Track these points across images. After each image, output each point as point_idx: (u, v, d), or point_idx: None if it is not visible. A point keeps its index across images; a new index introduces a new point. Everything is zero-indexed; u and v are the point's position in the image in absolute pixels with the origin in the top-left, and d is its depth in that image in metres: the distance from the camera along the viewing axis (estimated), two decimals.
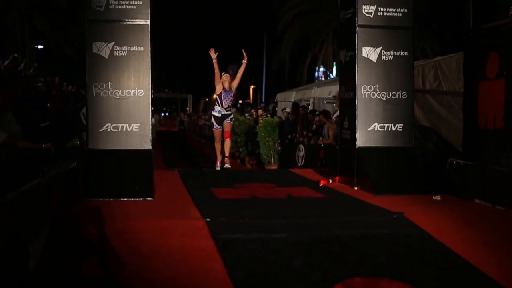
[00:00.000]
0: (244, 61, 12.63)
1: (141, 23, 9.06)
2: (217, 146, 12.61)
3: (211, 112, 12.92)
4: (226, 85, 12.25)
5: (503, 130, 9.14)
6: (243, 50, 12.69)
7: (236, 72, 12.37)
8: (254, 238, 6.33)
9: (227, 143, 12.45)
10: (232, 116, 12.78)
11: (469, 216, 7.58)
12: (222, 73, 12.29)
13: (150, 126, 9.08)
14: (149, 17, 9.08)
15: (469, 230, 6.89)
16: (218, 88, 12.27)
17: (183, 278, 5.27)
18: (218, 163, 12.53)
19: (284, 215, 7.42)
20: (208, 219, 6.88)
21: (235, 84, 12.50)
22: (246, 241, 6.23)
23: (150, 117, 9.10)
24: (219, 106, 12.38)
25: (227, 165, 12.37)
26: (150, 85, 9.08)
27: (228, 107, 12.49)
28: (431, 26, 28.15)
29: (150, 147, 9.03)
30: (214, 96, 12.63)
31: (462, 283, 5.41)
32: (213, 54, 12.18)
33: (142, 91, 9.03)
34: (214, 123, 12.51)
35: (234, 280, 5.14)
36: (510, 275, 5.53)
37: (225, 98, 12.33)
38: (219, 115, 12.39)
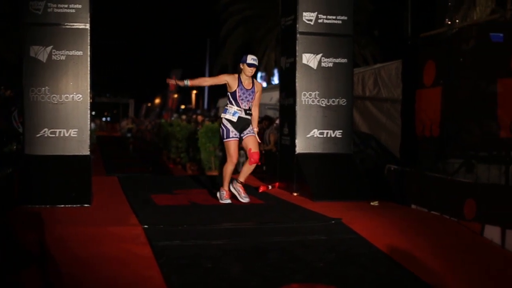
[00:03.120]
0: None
1: (80, 27, 8.94)
2: (229, 169, 8.81)
3: (221, 115, 8.98)
4: (246, 82, 8.68)
5: (439, 137, 9.31)
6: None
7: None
8: (192, 245, 6.31)
9: (252, 167, 8.84)
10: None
11: (406, 221, 7.69)
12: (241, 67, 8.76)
13: (89, 132, 8.95)
14: (89, 21, 8.96)
15: (406, 235, 6.98)
16: (232, 84, 8.67)
17: (120, 285, 5.20)
18: (227, 194, 8.87)
19: (223, 221, 7.40)
20: (146, 226, 6.82)
21: (258, 95, 8.89)
22: (184, 248, 6.20)
23: (89, 122, 8.98)
24: (234, 105, 8.68)
25: (244, 198, 8.83)
26: (89, 90, 8.96)
27: (249, 109, 8.75)
28: (372, 33, 28.47)
29: (88, 152, 8.91)
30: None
31: None
32: (177, 82, 9.09)
33: (80, 96, 8.90)
34: (229, 130, 8.66)
35: (171, 287, 5.09)
36: (445, 280, 5.62)
37: (241, 99, 8.64)
38: (235, 119, 8.64)
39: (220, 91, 39.23)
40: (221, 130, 8.81)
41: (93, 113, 56.04)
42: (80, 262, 5.68)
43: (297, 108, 9.81)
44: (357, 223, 7.33)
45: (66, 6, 8.90)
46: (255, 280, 5.38)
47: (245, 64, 8.62)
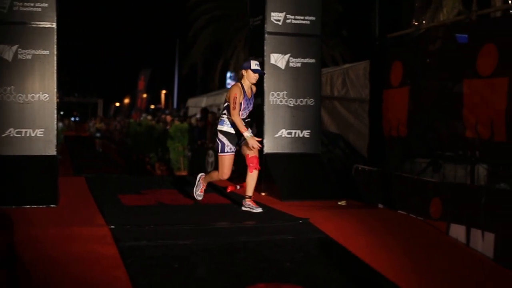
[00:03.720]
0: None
1: (46, 26, 8.87)
2: (215, 177, 8.35)
3: (217, 127, 8.22)
4: (249, 91, 7.99)
5: (406, 137, 9.39)
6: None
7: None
8: (159, 245, 6.27)
9: (254, 175, 8.12)
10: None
11: (373, 221, 7.75)
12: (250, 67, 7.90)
13: (55, 132, 8.88)
14: (55, 20, 8.89)
15: (372, 235, 7.04)
16: (241, 98, 7.86)
17: (86, 287, 5.16)
18: (201, 189, 8.50)
19: (190, 221, 7.38)
20: (112, 226, 6.78)
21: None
22: (151, 248, 6.16)
23: (55, 122, 8.90)
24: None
25: (257, 209, 8.05)
26: (55, 90, 8.89)
27: (246, 118, 8.13)
28: (341, 34, 28.60)
29: (55, 153, 8.84)
30: (230, 99, 7.88)
31: None
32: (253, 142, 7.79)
33: (47, 95, 8.83)
34: (224, 144, 8.02)
35: None
36: (411, 279, 5.66)
37: (243, 109, 7.97)
38: (233, 130, 8.01)
39: (190, 91, 39.21)
40: (216, 144, 8.21)
41: (62, 113, 55.71)
42: (46, 263, 5.63)
43: (265, 108, 9.82)
44: (325, 222, 7.36)
45: (32, 4, 8.82)
46: (222, 280, 5.37)
47: (249, 70, 7.85)
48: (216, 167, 8.47)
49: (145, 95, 47.09)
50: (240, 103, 7.82)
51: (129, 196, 9.22)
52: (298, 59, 9.96)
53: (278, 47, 9.90)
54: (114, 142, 34.20)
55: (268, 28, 9.88)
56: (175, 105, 43.91)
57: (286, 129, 9.85)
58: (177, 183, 10.81)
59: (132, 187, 10.33)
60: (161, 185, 10.66)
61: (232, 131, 7.99)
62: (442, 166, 8.87)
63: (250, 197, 8.14)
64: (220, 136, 8.04)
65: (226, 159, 8.04)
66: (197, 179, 8.55)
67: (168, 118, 22.01)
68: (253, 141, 7.76)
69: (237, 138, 8.03)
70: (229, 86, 32.69)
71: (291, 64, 9.92)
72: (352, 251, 6.32)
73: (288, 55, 9.92)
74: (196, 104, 26.63)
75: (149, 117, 29.60)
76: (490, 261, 6.46)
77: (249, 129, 7.93)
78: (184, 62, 35.86)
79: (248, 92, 7.94)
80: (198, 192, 8.47)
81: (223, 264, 5.79)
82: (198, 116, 19.29)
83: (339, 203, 8.84)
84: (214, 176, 8.34)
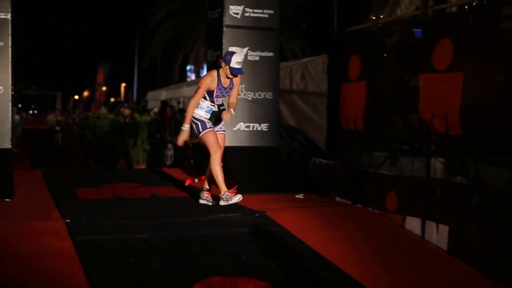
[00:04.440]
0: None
1: (1, 17, 8.71)
2: (218, 165, 7.85)
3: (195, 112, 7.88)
4: (226, 81, 7.84)
5: (364, 131, 9.46)
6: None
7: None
8: (115, 239, 6.23)
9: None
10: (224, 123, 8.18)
11: (330, 214, 7.79)
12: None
13: (10, 125, 8.75)
14: (10, 11, 8.74)
15: (329, 228, 7.08)
16: (212, 86, 7.78)
17: (39, 281, 5.10)
18: (231, 192, 8.01)
19: (147, 215, 7.34)
20: (68, 220, 6.71)
21: (236, 90, 8.08)
22: (107, 242, 6.11)
23: (10, 115, 8.77)
24: (207, 101, 7.86)
25: (234, 198, 7.85)
26: (10, 82, 8.74)
27: (222, 104, 8.04)
28: (301, 27, 28.69)
29: (10, 146, 8.71)
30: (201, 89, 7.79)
31: (320, 281, 5.53)
32: (180, 141, 7.87)
33: (1, 88, 8.68)
34: (204, 122, 7.83)
35: (92, 281, 5.02)
36: (367, 272, 5.71)
37: (217, 96, 7.87)
38: (209, 115, 7.89)
39: (149, 84, 39.04)
40: (194, 126, 7.84)
41: (20, 106, 54.94)
42: (0, 257, 5.56)
43: None
44: (282, 215, 7.37)
45: None
46: (178, 273, 5.36)
47: (227, 67, 7.69)
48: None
49: (104, 88, 46.67)
50: (212, 91, 7.74)
51: (86, 189, 9.12)
52: (257, 53, 9.95)
53: (236, 41, 9.87)
54: (73, 135, 33.89)
55: (226, 21, 9.84)
56: (135, 98, 43.66)
57: (245, 123, 9.82)
58: (135, 177, 10.75)
59: (90, 181, 10.23)
60: (119, 179, 10.57)
61: (207, 116, 7.84)
62: (400, 160, 8.95)
63: (208, 189, 8.19)
64: (197, 116, 7.84)
65: (210, 135, 7.82)
66: (222, 197, 7.91)
67: (127, 111, 21.87)
68: (180, 137, 7.78)
69: (212, 123, 7.91)
70: (193, 78, 32.74)
71: (249, 58, 9.90)
72: (308, 244, 6.35)
73: (246, 48, 9.90)
74: (156, 97, 26.52)
75: (105, 111, 29.34)
76: (444, 253, 6.55)
77: (218, 130, 7.98)
78: (144, 55, 35.67)
79: (225, 81, 7.79)
80: (232, 197, 7.86)
81: (179, 258, 5.77)
82: (156, 109, 19.19)
83: (297, 196, 8.86)
84: (216, 168, 7.81)
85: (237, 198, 7.82)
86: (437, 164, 8.34)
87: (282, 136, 11.08)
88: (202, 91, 7.74)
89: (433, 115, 7.97)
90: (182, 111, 17.12)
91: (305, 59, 15.32)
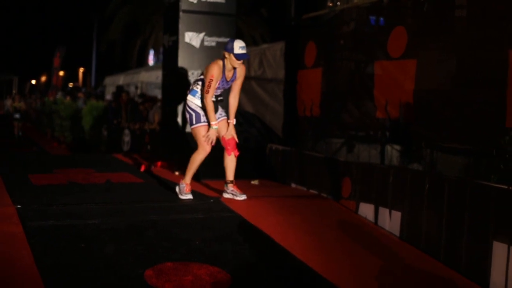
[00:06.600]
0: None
1: None
2: (199, 159, 7.48)
3: (188, 97, 7.56)
4: (230, 74, 7.37)
5: (319, 118, 9.49)
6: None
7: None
8: (66, 225, 6.17)
9: (233, 159, 7.68)
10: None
11: (284, 200, 7.82)
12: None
13: None
14: None
15: (283, 214, 7.10)
16: (216, 73, 7.19)
17: None
18: (187, 188, 7.60)
19: (100, 201, 7.29)
20: (19, 206, 6.64)
21: (240, 82, 7.52)
22: (58, 228, 6.05)
23: None
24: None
25: (241, 196, 7.56)
26: None
27: (220, 95, 7.57)
28: (261, 13, 28.61)
29: None
30: (205, 78, 7.29)
31: (272, 266, 5.54)
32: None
33: None
34: (199, 114, 7.46)
35: (41, 267, 4.96)
36: (319, 256, 5.74)
37: (218, 88, 7.37)
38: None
39: (108, 69, 38.67)
40: (188, 115, 7.49)
41: None
42: None
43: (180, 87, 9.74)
44: (236, 201, 7.39)
45: None
46: (130, 259, 5.33)
47: (231, 55, 7.16)
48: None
49: (61, 73, 46.08)
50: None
51: (39, 175, 9.02)
52: (213, 38, 9.94)
53: (193, 26, 9.85)
54: (30, 121, 33.37)
55: (183, 6, 9.81)
56: (93, 84, 43.23)
57: None
58: (90, 163, 10.65)
59: (44, 167, 10.14)
60: (73, 164, 10.47)
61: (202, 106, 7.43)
62: (356, 147, 9.00)
63: (232, 181, 7.64)
64: (193, 106, 7.48)
65: (203, 130, 7.40)
66: (179, 185, 7.68)
67: (80, 95, 21.62)
68: (211, 134, 7.34)
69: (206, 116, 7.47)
70: (151, 63, 32.43)
71: (205, 43, 9.89)
72: (262, 230, 6.37)
73: (203, 33, 9.88)
74: (114, 82, 26.26)
75: (61, 96, 28.92)
76: (396, 239, 6.62)
77: (219, 117, 7.49)
78: (102, 39, 35.30)
79: (228, 74, 7.33)
80: (184, 193, 7.58)
81: (131, 244, 5.74)
82: (108, 96, 19.01)
83: (252, 182, 8.89)
84: (196, 159, 7.48)
85: (188, 197, 7.53)
86: (393, 152, 8.40)
87: (239, 122, 11.04)
88: (215, 82, 7.20)
89: (387, 102, 8.03)
90: (142, 96, 17.03)
91: (264, 46, 15.26)
